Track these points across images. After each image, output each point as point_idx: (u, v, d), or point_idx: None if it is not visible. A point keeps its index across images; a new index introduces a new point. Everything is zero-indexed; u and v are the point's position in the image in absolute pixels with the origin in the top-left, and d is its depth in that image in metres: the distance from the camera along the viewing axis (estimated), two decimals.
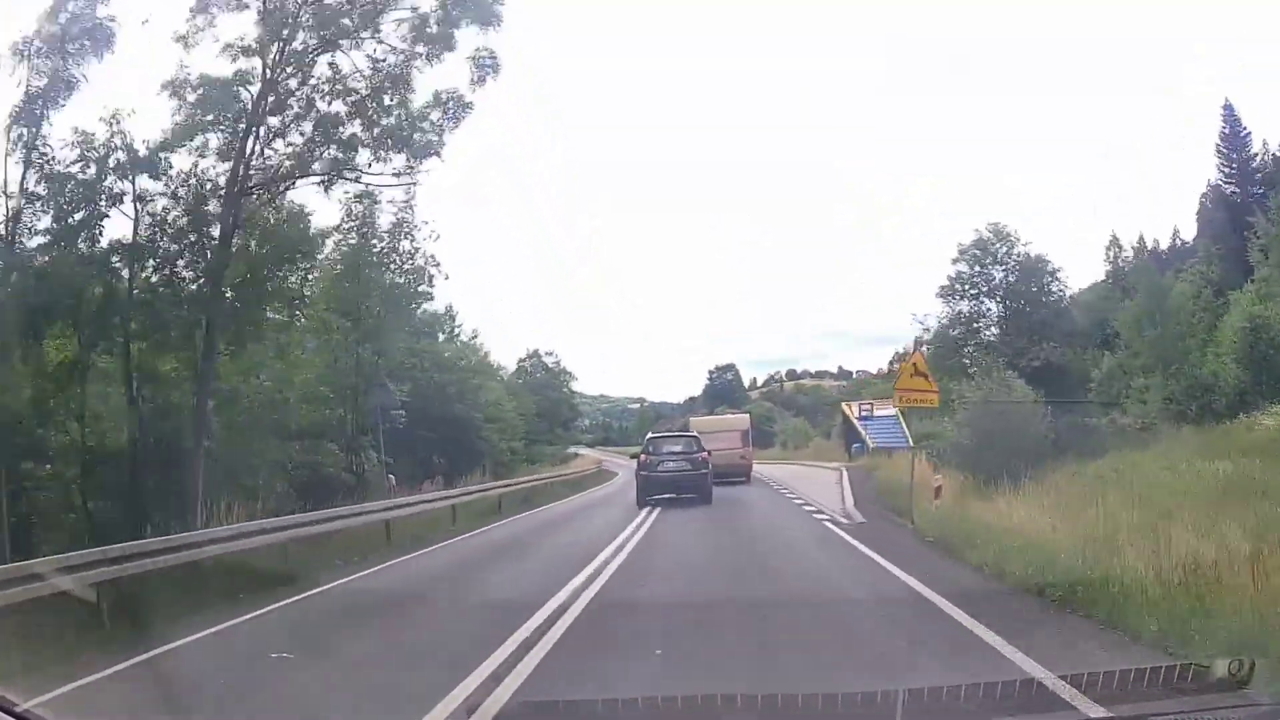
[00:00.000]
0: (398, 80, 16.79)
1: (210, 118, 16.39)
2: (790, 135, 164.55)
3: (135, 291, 16.64)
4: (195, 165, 16.64)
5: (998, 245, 40.77)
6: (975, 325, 38.44)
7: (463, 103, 16.97)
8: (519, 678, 6.45)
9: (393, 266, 24.37)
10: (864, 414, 36.24)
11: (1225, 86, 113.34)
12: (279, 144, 16.96)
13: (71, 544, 11.97)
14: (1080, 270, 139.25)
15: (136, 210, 16.49)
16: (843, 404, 39.89)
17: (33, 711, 4.36)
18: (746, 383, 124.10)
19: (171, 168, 16.61)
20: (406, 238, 23.27)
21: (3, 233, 15.81)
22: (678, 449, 24.57)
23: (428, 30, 16.63)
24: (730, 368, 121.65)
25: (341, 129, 16.91)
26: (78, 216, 16.25)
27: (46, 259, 16.34)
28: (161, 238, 16.80)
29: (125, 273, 16.76)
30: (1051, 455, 20.43)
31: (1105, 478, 16.53)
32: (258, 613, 9.74)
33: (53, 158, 15.81)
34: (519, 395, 66.84)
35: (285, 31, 16.44)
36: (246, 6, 16.51)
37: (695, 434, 27.40)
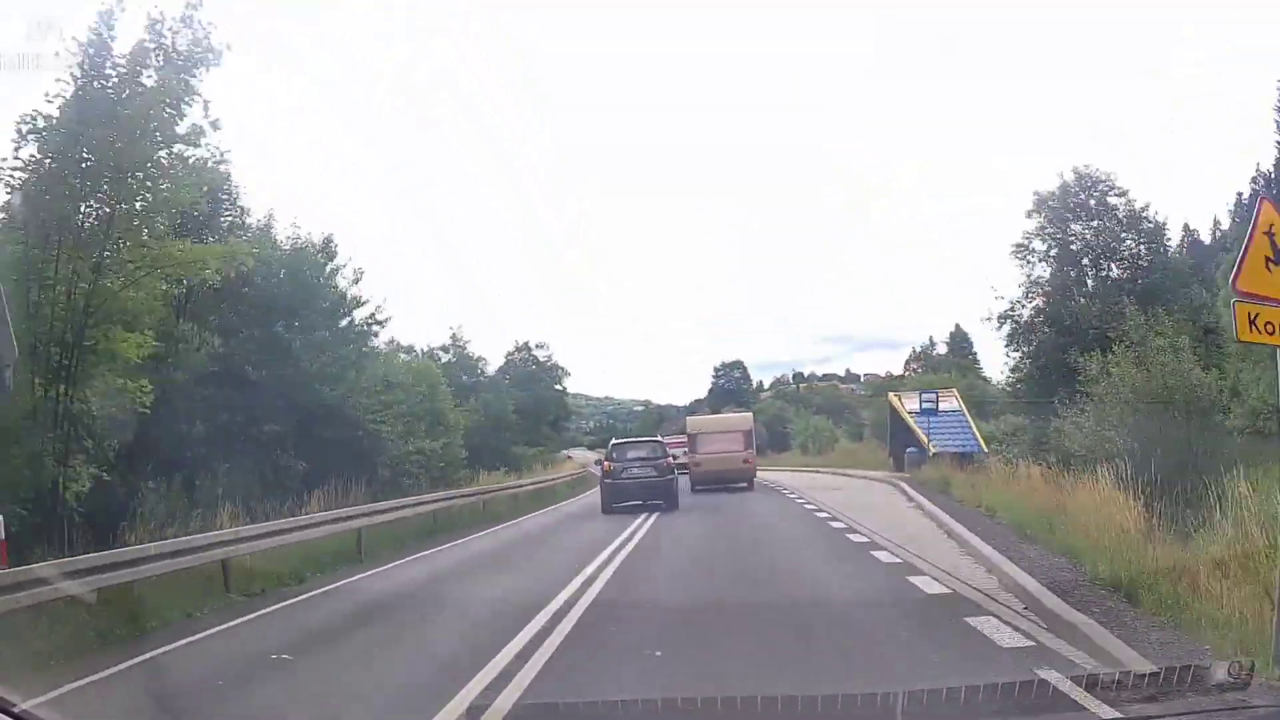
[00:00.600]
0: None
1: None
2: (779, 117, 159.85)
3: None
4: None
5: (1086, 192, 31.53)
6: (1074, 290, 28.99)
7: None
8: None
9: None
10: (926, 406, 26.78)
11: (1214, 69, 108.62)
12: None
13: None
14: None
15: None
16: (891, 395, 30.34)
17: (32, 712, 4.14)
18: (753, 384, 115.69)
19: None
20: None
21: None
22: (642, 455, 23.14)
23: None
24: (738, 364, 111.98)
25: None
26: None
27: None
28: None
29: None
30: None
31: None
32: None
33: None
34: (493, 392, 57.83)
35: None
36: None
37: (659, 439, 25.93)
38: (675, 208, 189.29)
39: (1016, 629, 7.04)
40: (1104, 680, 4.86)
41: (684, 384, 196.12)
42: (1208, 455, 15.01)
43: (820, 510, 19.40)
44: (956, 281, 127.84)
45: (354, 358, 23.49)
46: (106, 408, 12.28)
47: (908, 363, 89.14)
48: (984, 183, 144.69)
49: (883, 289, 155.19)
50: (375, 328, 26.04)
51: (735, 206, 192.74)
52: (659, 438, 26.68)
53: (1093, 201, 31.54)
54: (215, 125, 12.77)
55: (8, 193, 12.18)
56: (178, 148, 12.61)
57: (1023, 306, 31.09)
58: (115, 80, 12.27)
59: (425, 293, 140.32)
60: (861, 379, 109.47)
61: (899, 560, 11.20)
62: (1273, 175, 37.40)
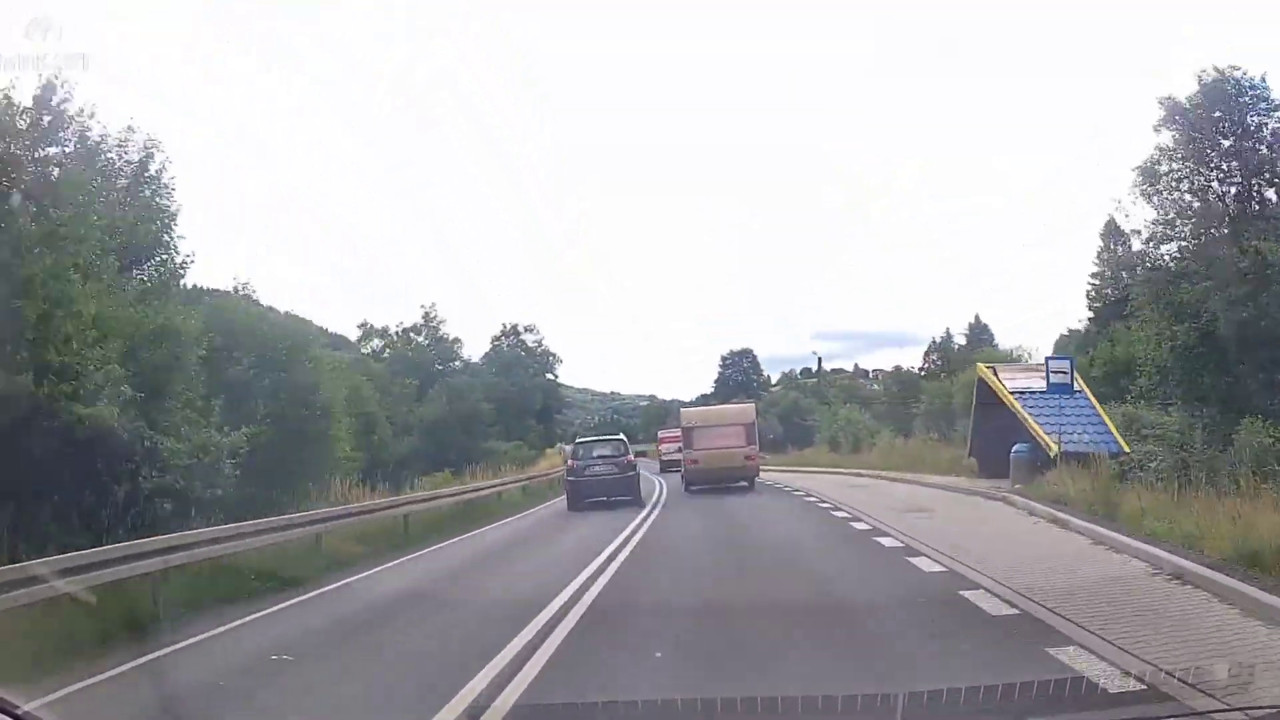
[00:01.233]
0: None
1: None
2: (779, 117, 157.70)
3: None
4: None
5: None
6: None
7: None
8: None
9: None
10: (1056, 381, 17.36)
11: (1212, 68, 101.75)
12: None
13: None
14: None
15: None
16: (980, 368, 20.88)
17: (34, 713, 3.68)
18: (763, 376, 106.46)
19: None
20: None
21: None
22: (605, 453, 23.68)
23: None
24: (747, 353, 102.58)
25: None
26: None
27: None
28: None
29: None
30: None
31: None
32: None
33: None
34: (462, 379, 48.77)
35: None
36: None
37: (622, 437, 26.08)
38: (675, 208, 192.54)
39: None
40: (1103, 685, 4.81)
41: (691, 378, 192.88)
42: None
43: (924, 551, 10.48)
44: (956, 281, 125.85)
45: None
46: None
47: (927, 354, 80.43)
48: (984, 183, 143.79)
49: (883, 289, 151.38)
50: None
51: (735, 206, 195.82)
52: (621, 436, 26.51)
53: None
54: None
55: None
56: None
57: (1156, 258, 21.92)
58: None
59: (425, 293, 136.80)
60: (870, 374, 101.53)
61: None
62: None
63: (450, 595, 10.50)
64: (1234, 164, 22.21)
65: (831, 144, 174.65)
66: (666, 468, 38.57)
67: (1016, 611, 7.19)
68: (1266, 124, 22.07)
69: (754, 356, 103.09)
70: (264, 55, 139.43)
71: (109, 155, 15.56)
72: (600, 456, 23.57)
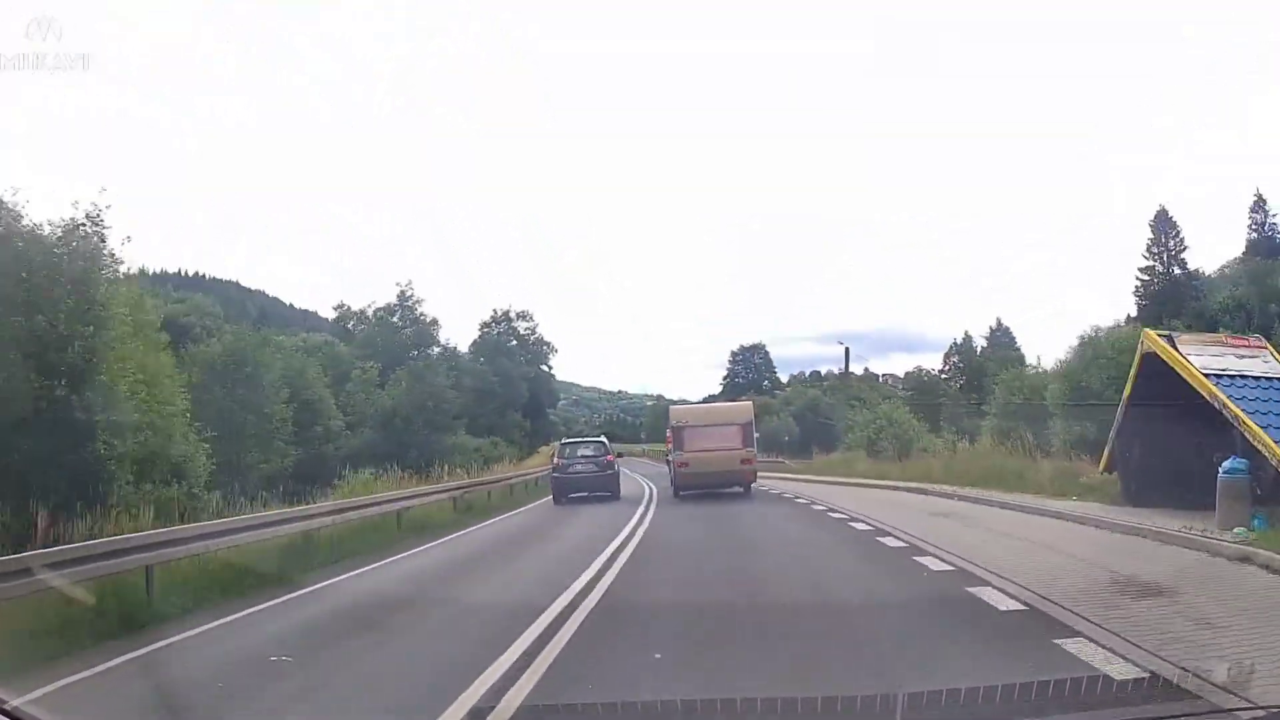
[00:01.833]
0: None
1: None
2: (779, 117, 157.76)
3: None
4: None
5: None
6: None
7: None
8: None
9: None
10: None
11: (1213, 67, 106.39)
12: None
13: None
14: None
15: None
16: (1153, 334, 13.56)
17: (24, 709, 4.04)
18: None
19: None
20: None
21: None
22: (587, 453, 25.72)
23: None
24: (758, 349, 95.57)
25: None
26: None
27: None
28: None
29: None
30: None
31: None
32: None
33: None
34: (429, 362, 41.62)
35: None
36: None
37: (603, 439, 27.67)
38: (675, 207, 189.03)
39: None
40: (1102, 684, 4.76)
41: (695, 376, 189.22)
42: None
43: None
44: (957, 282, 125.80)
45: None
46: None
47: (947, 356, 73.60)
48: (985, 182, 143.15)
49: (886, 291, 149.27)
50: None
51: (735, 206, 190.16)
52: (602, 438, 28.32)
53: None
54: None
55: None
56: None
57: None
58: None
59: (424, 292, 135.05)
60: (880, 378, 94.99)
61: None
62: None
63: None
64: None
65: (832, 144, 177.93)
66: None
67: None
68: None
69: (765, 352, 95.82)
70: (264, 54, 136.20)
71: None
72: (583, 456, 25.47)
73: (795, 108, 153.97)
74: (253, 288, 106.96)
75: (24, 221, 13.82)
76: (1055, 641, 6.04)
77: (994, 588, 8.13)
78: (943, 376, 69.39)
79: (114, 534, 10.46)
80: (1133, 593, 7.78)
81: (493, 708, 5.01)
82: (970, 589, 8.18)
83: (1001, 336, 65.27)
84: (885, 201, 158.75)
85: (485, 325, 67.80)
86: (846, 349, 42.24)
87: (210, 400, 31.39)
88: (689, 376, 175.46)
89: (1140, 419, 13.62)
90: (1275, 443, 10.89)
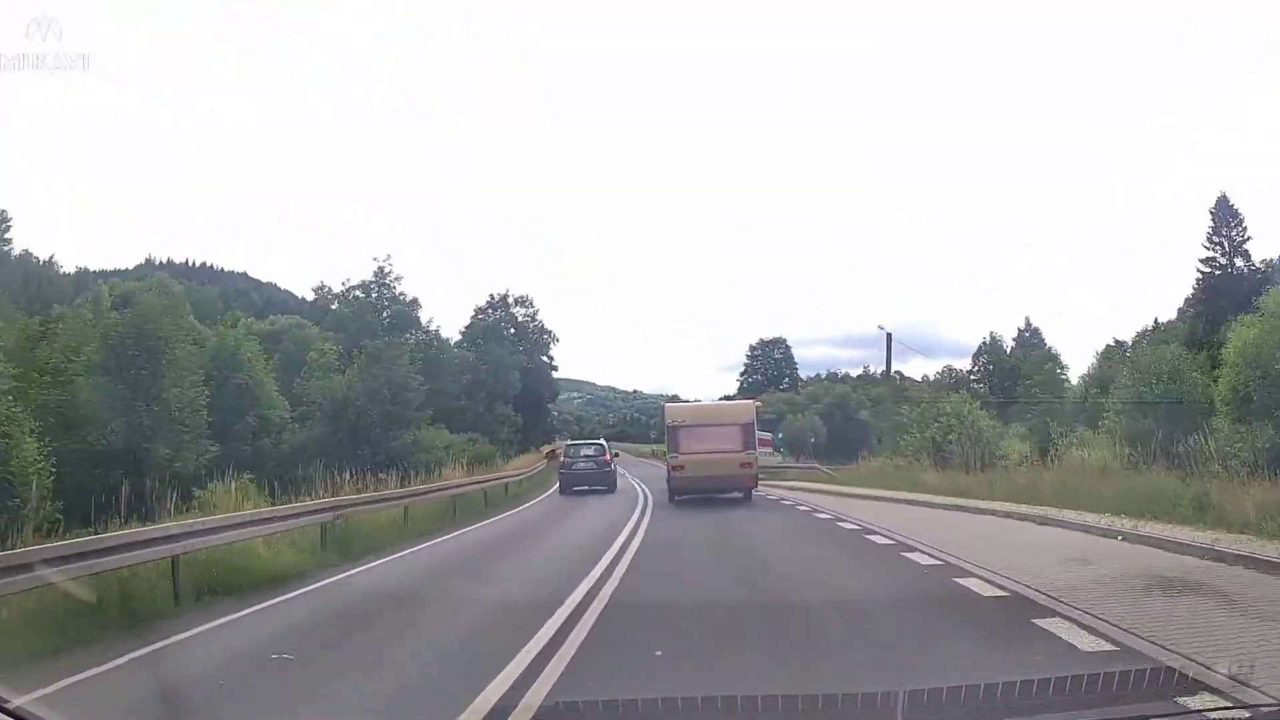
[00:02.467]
0: None
1: None
2: (780, 117, 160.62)
3: None
4: None
5: None
6: None
7: None
8: None
9: None
10: None
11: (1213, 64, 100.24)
12: None
13: None
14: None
15: None
16: None
17: (26, 709, 3.86)
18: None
19: None
20: None
21: None
22: (589, 453, 29.85)
23: None
24: (778, 343, 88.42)
25: None
26: None
27: None
28: None
29: None
30: None
31: None
32: None
33: None
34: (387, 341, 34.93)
35: None
36: None
37: (602, 441, 32.04)
38: (676, 207, 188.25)
39: None
40: (1104, 681, 4.61)
41: (713, 377, 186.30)
42: None
43: None
44: (957, 281, 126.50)
45: None
46: None
47: (976, 356, 67.54)
48: (985, 182, 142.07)
49: (885, 290, 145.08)
50: None
51: (738, 206, 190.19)
52: (601, 441, 32.28)
53: None
54: None
55: None
56: None
57: None
58: None
59: (424, 293, 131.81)
60: (898, 378, 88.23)
61: None
62: None
63: None
64: None
65: (832, 144, 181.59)
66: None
67: None
68: None
69: (786, 347, 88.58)
70: (265, 55, 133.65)
71: None
72: (585, 455, 29.84)
73: (795, 108, 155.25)
74: (263, 280, 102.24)
75: None
76: None
77: None
78: (971, 378, 64.49)
79: None
80: None
81: None
82: None
83: (1030, 337, 61.91)
84: (885, 201, 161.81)
85: (481, 311, 61.19)
86: (889, 335, 35.17)
87: (104, 385, 25.07)
88: (703, 375, 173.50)
89: None
90: None
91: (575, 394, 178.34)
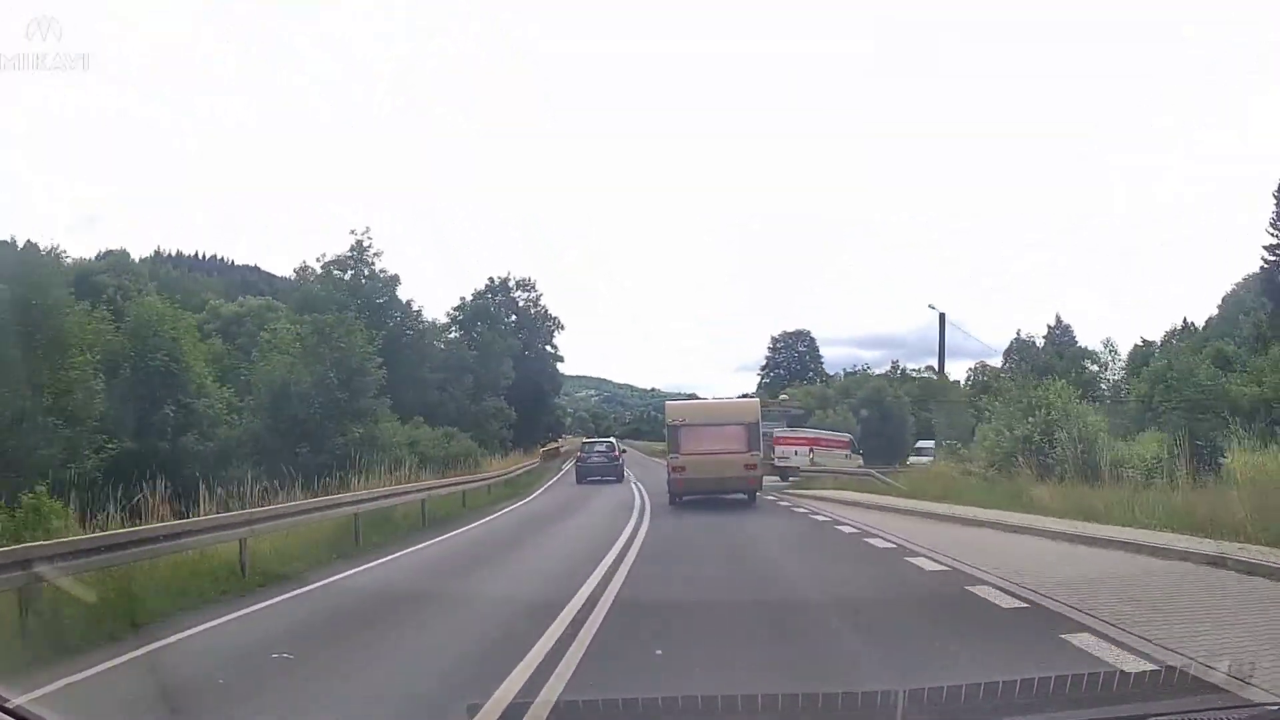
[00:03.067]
0: None
1: None
2: (780, 117, 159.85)
3: None
4: None
5: None
6: None
7: None
8: None
9: None
10: None
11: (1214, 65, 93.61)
12: None
13: None
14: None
15: None
16: None
17: (25, 708, 3.94)
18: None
19: None
20: None
21: None
22: (601, 450, 36.02)
23: None
24: (803, 336, 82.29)
25: None
26: None
27: None
28: None
29: None
30: None
31: None
32: None
33: None
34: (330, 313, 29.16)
35: None
36: None
37: (612, 440, 39.49)
38: (677, 207, 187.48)
39: None
40: (1104, 679, 4.62)
41: (732, 373, 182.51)
42: None
43: None
44: (956, 281, 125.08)
45: None
46: None
47: (1007, 354, 62.08)
48: (984, 182, 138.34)
49: (886, 290, 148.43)
50: None
51: (741, 206, 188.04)
52: (612, 439, 39.67)
53: None
54: None
55: None
56: None
57: None
58: None
59: (429, 294, 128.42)
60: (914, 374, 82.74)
61: None
62: None
63: None
64: None
65: (831, 144, 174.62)
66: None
67: None
68: None
69: (811, 339, 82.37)
70: (264, 55, 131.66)
71: None
72: (598, 451, 35.92)
73: (795, 108, 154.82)
74: (277, 274, 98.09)
75: None
76: None
77: None
78: (1005, 376, 59.33)
79: None
80: None
81: None
82: None
83: (1061, 335, 58.62)
84: (885, 201, 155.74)
85: (479, 295, 55.56)
86: (942, 316, 29.40)
87: None
88: (720, 373, 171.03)
89: None
90: None
91: (592, 391, 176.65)
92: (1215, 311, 53.03)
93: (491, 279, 56.14)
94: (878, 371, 66.85)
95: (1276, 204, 43.80)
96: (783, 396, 47.91)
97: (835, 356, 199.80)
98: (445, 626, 7.78)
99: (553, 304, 75.49)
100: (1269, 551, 9.30)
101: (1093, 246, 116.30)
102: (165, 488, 12.85)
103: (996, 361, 56.11)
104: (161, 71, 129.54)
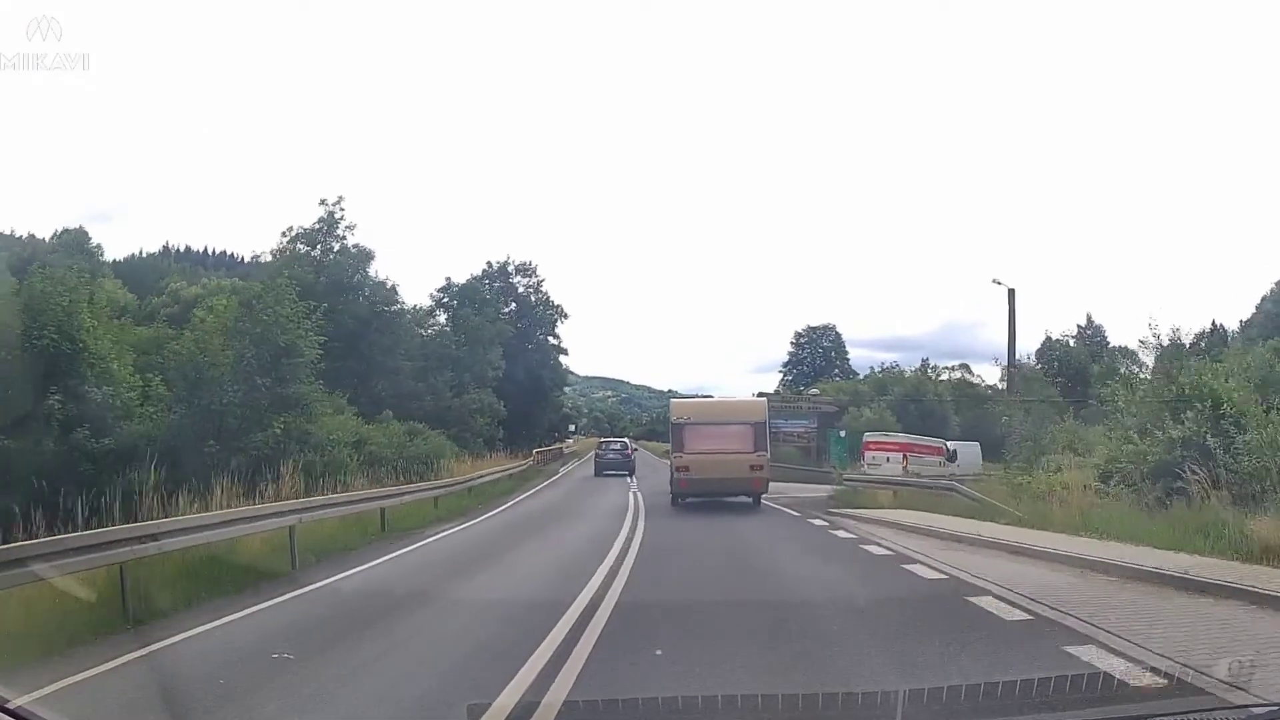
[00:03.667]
0: None
1: None
2: (781, 116, 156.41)
3: None
4: None
5: None
6: None
7: None
8: None
9: None
10: None
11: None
12: None
13: None
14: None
15: None
16: None
17: (26, 709, 3.94)
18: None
19: None
20: None
21: None
22: (616, 447, 40.21)
23: None
24: (828, 331, 76.71)
25: None
26: None
27: None
28: None
29: None
30: None
31: None
32: None
33: None
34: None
35: None
36: None
37: (626, 440, 45.26)
38: (694, 207, 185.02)
39: None
40: (1104, 680, 4.58)
41: (750, 374, 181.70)
42: None
43: None
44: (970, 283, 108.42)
45: None
46: None
47: (1040, 354, 58.06)
48: (987, 182, 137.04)
49: (889, 291, 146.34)
50: None
51: (753, 206, 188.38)
52: (625, 439, 46.30)
53: None
54: None
55: None
56: None
57: None
58: None
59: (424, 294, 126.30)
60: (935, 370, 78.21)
61: None
62: None
63: None
64: None
65: (832, 143, 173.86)
66: None
67: None
68: None
69: (837, 334, 76.76)
70: (264, 54, 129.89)
71: None
72: (614, 449, 39.86)
73: (797, 107, 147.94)
74: None
75: None
76: None
77: None
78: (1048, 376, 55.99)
79: None
80: None
81: None
82: None
83: (1092, 335, 57.25)
84: (902, 203, 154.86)
85: (476, 280, 50.49)
86: (1011, 292, 24.13)
87: None
88: (739, 374, 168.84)
89: None
90: None
91: (610, 392, 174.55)
92: (1252, 312, 49.29)
93: (489, 263, 51.18)
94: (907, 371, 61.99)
95: None
96: (813, 391, 42.73)
97: (872, 359, 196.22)
98: None
99: (568, 303, 70.23)
100: None
101: (1120, 248, 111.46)
102: None
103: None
104: (161, 71, 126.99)
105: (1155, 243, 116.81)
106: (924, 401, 42.71)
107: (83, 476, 18.07)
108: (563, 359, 55.77)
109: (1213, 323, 49.57)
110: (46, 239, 47.61)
